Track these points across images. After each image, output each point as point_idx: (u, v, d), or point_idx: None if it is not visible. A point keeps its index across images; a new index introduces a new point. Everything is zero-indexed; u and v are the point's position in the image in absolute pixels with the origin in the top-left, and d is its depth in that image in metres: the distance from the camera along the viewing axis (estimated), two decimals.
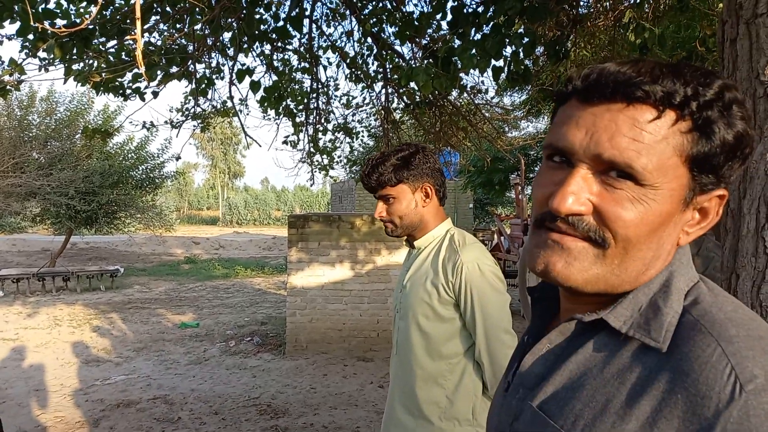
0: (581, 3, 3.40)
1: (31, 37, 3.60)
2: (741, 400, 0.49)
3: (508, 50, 3.00)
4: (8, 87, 3.99)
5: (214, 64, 5.39)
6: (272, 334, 7.35)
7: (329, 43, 5.53)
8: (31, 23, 3.21)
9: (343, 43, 5.74)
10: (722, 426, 0.48)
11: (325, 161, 6.47)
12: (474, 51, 2.78)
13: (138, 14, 2.22)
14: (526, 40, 2.78)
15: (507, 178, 13.49)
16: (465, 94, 5.59)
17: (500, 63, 3.06)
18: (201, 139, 52.10)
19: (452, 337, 1.60)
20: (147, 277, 13.85)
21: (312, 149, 6.18)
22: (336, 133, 6.45)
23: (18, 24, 3.30)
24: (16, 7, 3.10)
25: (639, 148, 0.55)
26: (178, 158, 6.60)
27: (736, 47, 1.44)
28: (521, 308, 7.13)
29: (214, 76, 5.34)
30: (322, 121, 6.09)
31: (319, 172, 6.54)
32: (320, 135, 6.27)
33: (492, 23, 2.78)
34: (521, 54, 2.89)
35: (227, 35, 4.78)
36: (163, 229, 16.71)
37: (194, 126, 6.11)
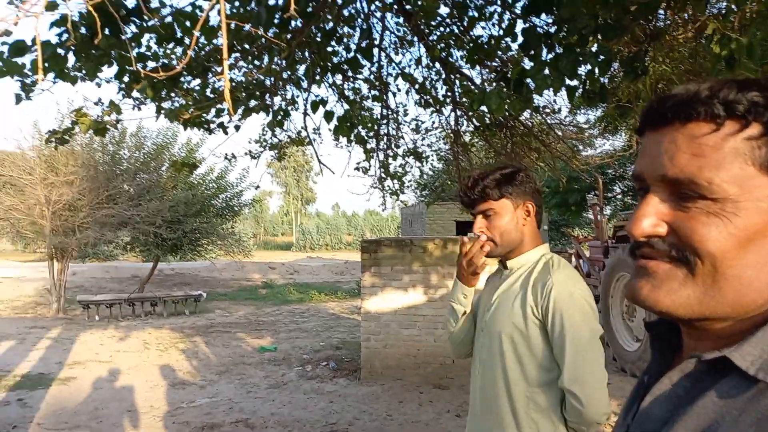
0: (658, 16, 3.28)
1: (126, 79, 3.89)
2: None
3: (583, 69, 2.94)
4: (108, 127, 4.32)
5: (289, 97, 5.61)
6: (347, 359, 7.41)
7: (398, 70, 5.63)
8: (127, 67, 3.49)
9: (411, 70, 5.83)
10: None
11: (396, 186, 6.54)
12: (547, 71, 2.75)
13: (225, 54, 2.37)
14: (602, 57, 2.71)
15: (584, 199, 13.05)
16: (537, 114, 5.50)
17: (575, 82, 3.00)
18: (276, 167, 54.09)
19: (546, 363, 1.55)
20: (227, 302, 14.40)
21: (383, 174, 6.27)
22: (406, 158, 6.51)
23: (115, 68, 3.58)
24: (113, 53, 3.36)
25: (701, 162, 0.54)
26: (257, 187, 6.93)
27: None
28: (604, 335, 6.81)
29: (289, 108, 5.56)
30: (392, 146, 6.18)
31: (390, 197, 6.61)
32: (390, 160, 6.36)
33: (565, 43, 2.74)
34: (597, 72, 2.82)
35: (301, 68, 4.98)
36: (242, 255, 17.38)
37: (271, 156, 6.37)
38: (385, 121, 5.94)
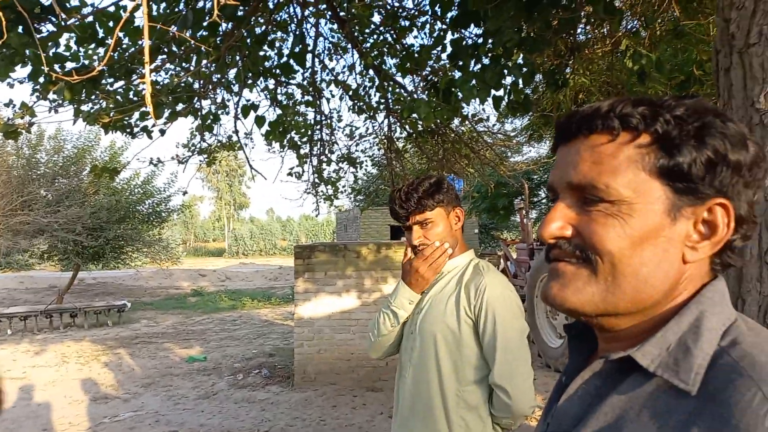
0: (578, 31, 3.47)
1: (41, 80, 3.68)
2: None
3: (508, 80, 3.06)
4: (19, 130, 4.06)
5: (219, 100, 5.49)
6: (280, 366, 7.29)
7: (332, 76, 5.63)
8: (42, 67, 3.30)
9: (345, 76, 5.85)
10: None
11: (330, 191, 6.53)
12: (474, 82, 2.84)
13: (147, 57, 2.29)
14: (525, 69, 2.84)
15: (511, 203, 13.52)
16: (467, 122, 5.65)
17: (500, 92, 3.12)
18: (207, 172, 52.56)
19: (475, 362, 1.60)
20: (154, 311, 13.83)
21: (316, 180, 6.25)
22: (340, 164, 6.52)
23: (29, 68, 3.38)
24: (27, 52, 3.18)
25: (600, 169, 0.60)
26: (185, 193, 6.70)
27: (731, 76, 1.47)
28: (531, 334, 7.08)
29: (219, 112, 5.43)
30: (326, 152, 6.17)
31: (324, 202, 6.59)
32: (324, 166, 6.35)
33: (491, 54, 2.84)
34: (521, 83, 2.95)
35: (232, 72, 4.88)
36: (170, 262, 16.74)
37: (200, 160, 6.19)
38: (318, 127, 5.93)
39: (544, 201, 16.49)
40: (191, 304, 15.15)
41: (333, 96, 7.47)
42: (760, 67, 1.37)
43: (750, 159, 0.59)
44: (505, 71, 2.88)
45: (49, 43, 3.31)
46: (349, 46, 5.29)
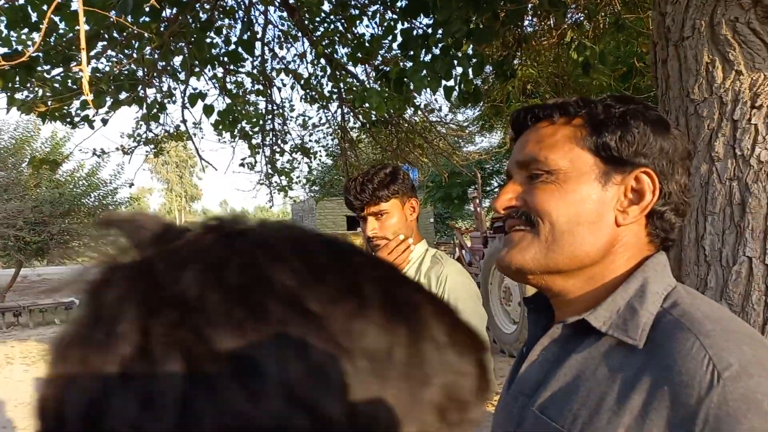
0: (526, 23, 3.52)
1: None
2: (719, 386, 0.54)
3: (458, 71, 3.07)
4: None
5: (165, 89, 5.31)
6: None
7: (283, 65, 5.54)
8: None
9: (296, 65, 5.76)
10: (705, 411, 0.53)
11: (284, 182, 6.44)
12: (424, 72, 2.84)
13: (83, 44, 2.19)
14: (474, 60, 2.86)
15: (465, 192, 13.72)
16: (419, 113, 5.67)
17: (451, 83, 3.13)
18: (155, 163, 51.03)
19: None
20: None
21: (270, 170, 6.15)
22: (294, 154, 6.43)
23: None
24: None
25: (541, 146, 0.70)
26: (131, 185, 6.48)
27: (667, 67, 1.52)
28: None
29: (165, 101, 5.26)
30: (279, 142, 6.07)
31: (278, 193, 6.50)
32: (277, 156, 6.25)
33: (441, 45, 2.84)
34: (470, 74, 2.97)
35: (178, 59, 4.73)
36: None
37: (147, 151, 6.00)
38: (270, 116, 5.82)
39: (497, 190, 16.80)
40: None
41: (284, 85, 7.36)
42: (694, 59, 1.41)
43: (673, 142, 0.69)
44: (455, 62, 2.90)
45: None
46: (300, 34, 5.20)
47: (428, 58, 2.99)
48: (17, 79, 3.58)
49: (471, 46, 2.88)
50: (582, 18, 3.12)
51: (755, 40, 1.15)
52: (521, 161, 0.72)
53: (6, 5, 2.98)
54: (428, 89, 2.92)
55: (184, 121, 5.29)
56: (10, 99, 3.80)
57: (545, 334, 0.71)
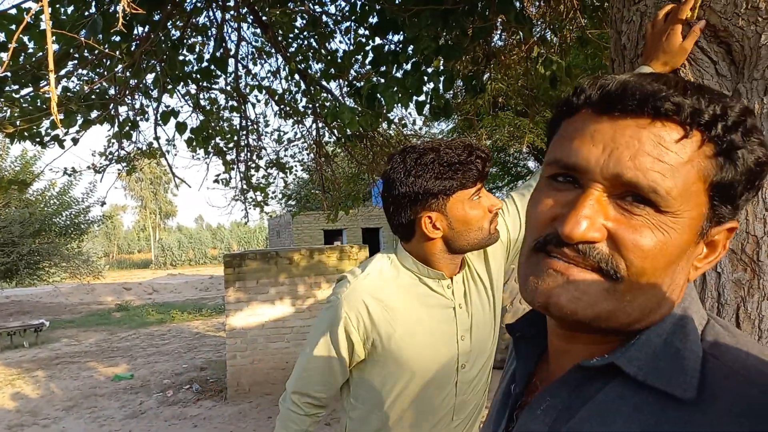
0: (495, 38, 3.60)
1: None
2: None
3: (429, 86, 3.13)
4: None
5: (137, 106, 5.29)
6: (212, 380, 7.08)
7: (257, 81, 5.55)
8: None
9: (270, 81, 5.78)
10: None
11: (260, 197, 6.42)
12: (396, 88, 2.89)
13: (51, 65, 2.18)
14: (444, 76, 2.91)
15: None
16: (393, 126, 5.73)
17: (422, 98, 3.18)
18: (128, 180, 50.27)
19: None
20: (75, 329, 13.06)
21: (245, 186, 6.13)
22: (269, 169, 6.43)
23: None
24: None
25: (664, 169, 0.48)
26: (103, 204, 6.39)
27: None
28: None
29: (138, 118, 5.23)
30: (254, 157, 6.07)
31: (254, 209, 6.48)
32: (252, 172, 6.24)
33: (411, 61, 2.90)
34: (441, 89, 3.02)
35: (150, 77, 4.71)
36: (91, 277, 15.89)
37: (119, 169, 5.94)
38: (244, 132, 5.82)
39: None
40: (116, 320, 14.43)
41: (259, 101, 7.36)
42: None
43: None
44: (425, 77, 2.95)
45: None
46: (273, 50, 5.23)
47: (399, 74, 3.04)
48: None
49: (441, 61, 2.94)
50: (548, 33, 3.21)
51: (703, 58, 1.21)
52: (627, 180, 0.49)
53: None
54: (400, 104, 2.96)
55: (157, 139, 5.25)
56: None
57: (557, 381, 0.56)
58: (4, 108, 3.97)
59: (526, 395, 0.63)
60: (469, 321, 1.40)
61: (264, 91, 5.39)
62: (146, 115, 5.39)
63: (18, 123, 3.76)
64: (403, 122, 5.85)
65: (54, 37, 2.29)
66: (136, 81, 4.66)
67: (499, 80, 3.89)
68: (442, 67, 3.07)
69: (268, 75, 5.58)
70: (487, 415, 0.70)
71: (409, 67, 3.00)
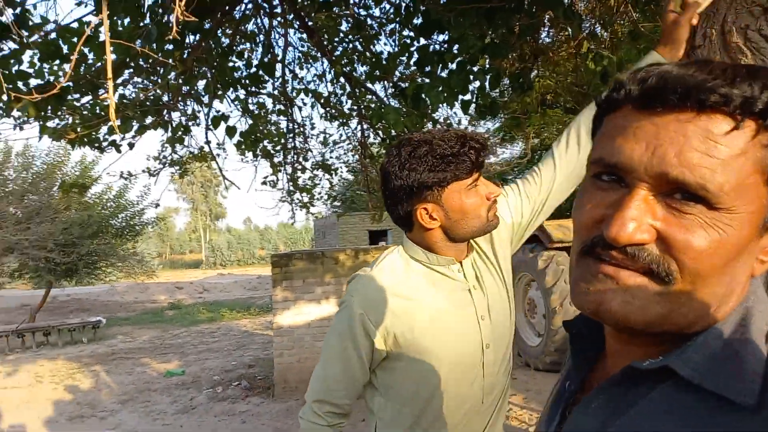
0: (543, 35, 3.54)
1: (4, 98, 3.62)
2: None
3: (475, 85, 3.11)
4: None
5: (189, 112, 5.45)
6: (260, 377, 7.24)
7: (303, 85, 5.64)
8: (4, 86, 3.24)
9: (316, 85, 5.86)
10: None
11: (306, 199, 6.52)
12: (441, 88, 2.88)
13: (110, 74, 2.28)
14: (491, 74, 2.89)
15: None
16: (438, 126, 5.70)
17: (468, 97, 3.17)
18: (180, 183, 51.92)
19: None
20: (130, 326, 13.60)
21: (291, 188, 6.23)
22: (315, 171, 6.52)
23: None
24: None
25: (713, 164, 0.45)
26: (156, 206, 6.63)
27: None
28: None
29: (190, 123, 5.40)
30: (300, 159, 6.16)
31: (300, 210, 6.58)
32: (299, 173, 6.34)
33: (457, 60, 2.88)
34: (487, 88, 3.00)
35: (201, 83, 4.86)
36: (145, 276, 16.48)
37: (172, 172, 6.14)
38: (291, 135, 5.92)
39: None
40: (168, 318, 14.94)
41: (305, 104, 7.47)
42: None
43: None
44: (471, 76, 2.93)
45: (12, 61, 3.26)
46: (319, 54, 5.30)
47: (444, 73, 3.03)
48: (49, 108, 3.73)
49: (487, 60, 2.91)
50: (598, 28, 3.13)
51: (767, 47, 1.16)
52: (673, 178, 0.46)
53: (39, 40, 3.12)
54: (445, 104, 2.95)
55: (207, 143, 5.41)
56: (42, 127, 3.95)
57: (609, 380, 0.55)
58: (66, 116, 4.18)
59: (581, 392, 0.61)
60: (485, 301, 1.40)
61: (310, 95, 5.47)
62: (197, 120, 5.55)
63: (79, 129, 3.94)
64: (448, 122, 5.82)
65: (112, 48, 2.40)
66: (188, 87, 4.82)
67: (548, 77, 3.82)
68: (488, 66, 3.04)
69: (314, 78, 5.66)
70: (541, 413, 0.69)
71: (454, 66, 2.98)
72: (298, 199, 6.57)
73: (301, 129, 6.12)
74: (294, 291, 6.39)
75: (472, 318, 1.37)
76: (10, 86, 3.21)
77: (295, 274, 6.41)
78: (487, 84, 2.95)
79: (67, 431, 5.62)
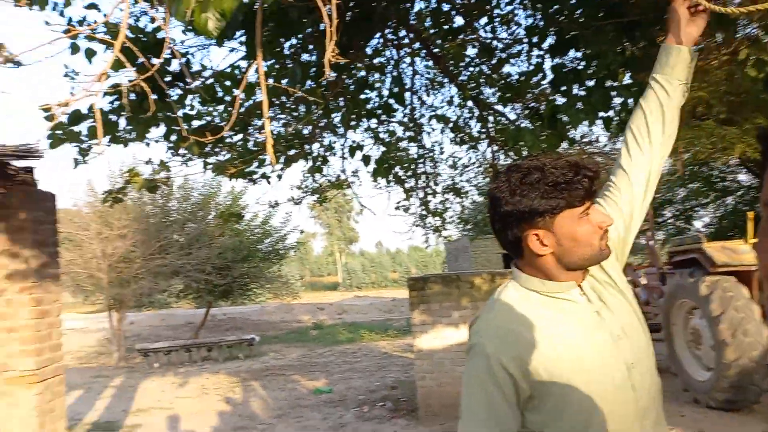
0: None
1: (173, 138, 4.09)
2: None
3: (617, 100, 2.95)
4: (159, 184, 4.54)
5: (326, 143, 5.79)
6: (403, 399, 7.32)
7: (431, 111, 5.74)
8: (173, 127, 3.70)
9: (444, 110, 5.93)
10: None
11: (438, 222, 6.58)
12: (579, 105, 2.77)
13: (266, 112, 2.51)
14: (634, 89, 2.73)
15: None
16: (575, 146, 5.48)
17: (610, 113, 3.01)
18: (317, 209, 54.94)
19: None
20: (279, 344, 14.53)
21: (423, 212, 6.33)
22: (445, 195, 6.56)
23: (163, 129, 3.77)
24: (159, 115, 3.56)
25: None
26: (302, 231, 7.11)
27: None
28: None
29: (327, 154, 5.72)
30: (431, 184, 6.25)
31: (433, 233, 6.65)
32: (430, 197, 6.43)
33: (595, 78, 2.77)
34: (630, 103, 2.83)
35: (337, 116, 5.14)
36: (290, 297, 17.56)
37: (313, 200, 6.53)
38: (422, 161, 6.03)
39: (670, 221, 15.29)
40: (313, 337, 15.76)
41: (434, 129, 7.57)
42: None
43: None
44: (613, 92, 2.79)
45: (178, 105, 3.71)
46: (446, 80, 5.37)
47: (582, 91, 2.92)
48: (209, 146, 4.17)
49: (628, 74, 2.76)
50: (757, 32, 2.82)
51: None
52: None
53: (200, 85, 3.52)
54: (586, 122, 2.84)
55: (343, 171, 5.70)
56: (204, 163, 4.44)
57: None
58: (222, 152, 4.65)
59: None
60: (617, 321, 1.33)
61: (439, 120, 5.55)
62: (333, 150, 5.86)
63: (235, 164, 4.36)
64: (585, 140, 5.57)
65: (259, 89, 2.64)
66: (325, 120, 5.13)
67: (698, 87, 3.51)
68: (629, 80, 2.87)
69: (442, 104, 5.71)
70: None
71: (591, 83, 2.86)
72: (430, 222, 6.65)
73: (431, 154, 6.21)
74: (432, 314, 6.43)
75: (609, 339, 1.30)
76: (177, 128, 3.65)
77: (432, 298, 6.45)
78: (631, 99, 2.78)
79: None
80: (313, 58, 3.89)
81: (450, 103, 5.60)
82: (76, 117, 3.06)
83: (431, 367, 6.34)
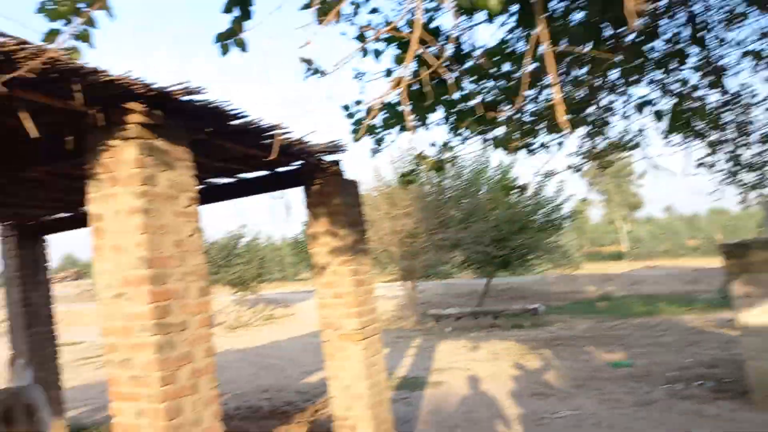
0: None
1: (452, 119, 4.37)
2: None
3: None
4: (444, 165, 4.92)
5: (603, 103, 5.47)
6: (728, 380, 6.53)
7: (736, 48, 4.91)
8: (450, 110, 3.96)
9: (752, 43, 5.00)
10: None
11: (754, 179, 5.63)
12: None
13: (554, 78, 2.54)
14: None
15: None
16: None
17: None
18: (593, 175, 51.68)
19: None
20: (565, 315, 14.34)
21: (734, 168, 5.49)
22: (765, 144, 5.57)
23: (441, 113, 4.06)
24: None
25: None
26: (584, 199, 6.87)
27: None
28: None
29: (606, 115, 5.40)
30: (743, 134, 5.38)
31: (749, 192, 5.73)
32: (741, 150, 5.53)
33: None
34: None
35: (612, 73, 4.81)
36: (572, 268, 17.08)
37: (594, 166, 6.24)
38: (727, 108, 5.23)
39: None
40: (601, 309, 15.11)
41: (741, 71, 6.49)
42: None
43: None
44: None
45: (455, 89, 3.96)
46: (752, 8, 4.53)
47: None
48: (487, 123, 4.35)
49: None
50: None
51: None
52: None
53: (475, 64, 3.68)
54: None
55: (626, 132, 5.31)
56: (483, 140, 4.66)
57: None
58: (498, 128, 4.78)
59: None
60: None
61: (750, 57, 4.72)
62: (613, 110, 5.50)
63: (515, 136, 4.46)
64: None
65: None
66: (602, 79, 4.85)
67: None
68: None
69: (747, 38, 4.83)
70: None
71: None
72: (742, 180, 5.73)
73: (739, 99, 5.32)
74: (759, 285, 5.57)
75: None
76: (454, 110, 3.89)
77: (757, 267, 5.58)
78: None
79: (533, 405, 6.35)
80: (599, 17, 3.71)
81: (765, 35, 4.72)
82: (384, 109, 3.53)
83: (764, 345, 5.50)
